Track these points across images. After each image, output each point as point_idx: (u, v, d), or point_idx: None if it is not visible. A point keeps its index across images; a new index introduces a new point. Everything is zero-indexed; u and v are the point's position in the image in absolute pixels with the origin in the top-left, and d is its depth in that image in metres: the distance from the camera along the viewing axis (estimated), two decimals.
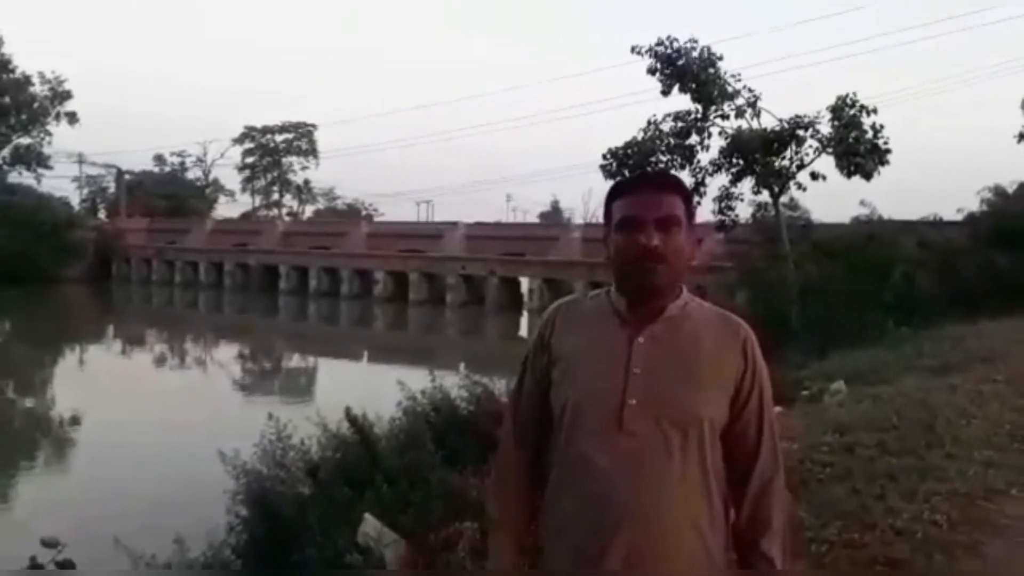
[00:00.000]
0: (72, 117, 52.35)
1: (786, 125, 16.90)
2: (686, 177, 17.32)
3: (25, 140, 51.87)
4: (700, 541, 1.59)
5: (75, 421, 13.29)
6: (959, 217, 21.61)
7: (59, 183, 56.55)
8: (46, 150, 52.52)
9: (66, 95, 52.07)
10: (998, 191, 21.87)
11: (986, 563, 3.63)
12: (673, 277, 1.65)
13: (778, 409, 7.43)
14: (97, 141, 74.65)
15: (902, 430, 5.66)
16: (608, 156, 17.46)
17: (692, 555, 1.58)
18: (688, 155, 17.54)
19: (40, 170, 52.18)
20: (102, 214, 60.96)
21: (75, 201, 58.79)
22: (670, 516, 1.57)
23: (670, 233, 1.62)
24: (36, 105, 51.35)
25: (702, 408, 1.61)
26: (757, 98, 17.26)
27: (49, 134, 52.28)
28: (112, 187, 62.83)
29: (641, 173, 1.92)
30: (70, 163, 57.86)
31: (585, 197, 64.51)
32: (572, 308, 1.79)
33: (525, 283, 37.01)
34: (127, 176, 60.36)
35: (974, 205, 21.92)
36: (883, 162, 16.42)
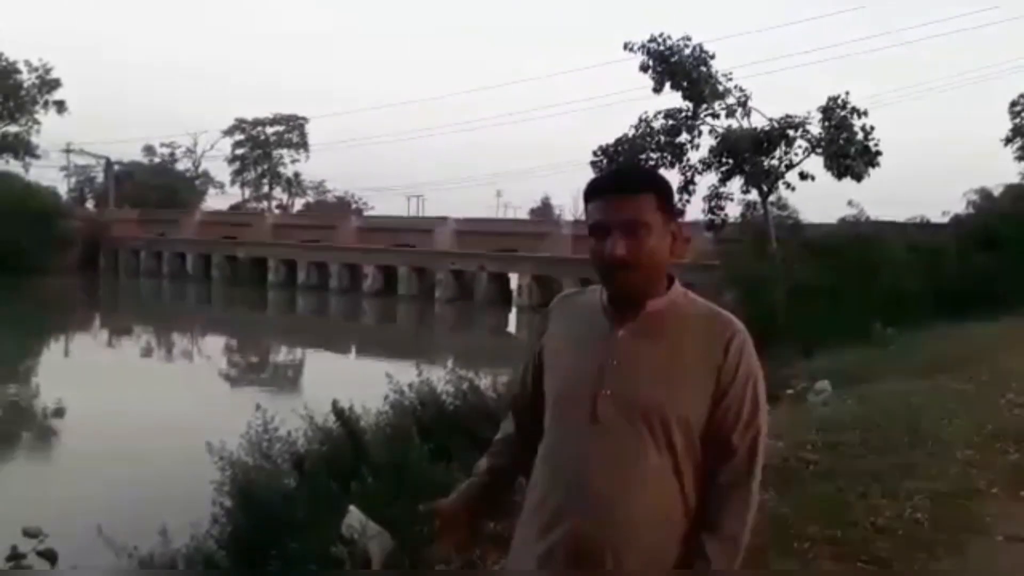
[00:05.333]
0: (61, 106, 51.95)
1: (776, 125, 16.99)
2: (675, 175, 17.42)
3: (13, 128, 51.47)
4: (662, 538, 1.58)
5: (59, 412, 13.21)
6: (945, 219, 21.77)
7: (47, 172, 56.13)
8: (34, 139, 52.22)
9: (54, 84, 51.68)
10: (983, 194, 22.06)
11: (967, 562, 3.66)
12: (644, 280, 1.63)
13: None
14: (86, 131, 73.85)
15: (885, 429, 5.71)
16: (599, 153, 17.52)
17: (651, 550, 1.57)
18: (678, 153, 17.63)
19: (28, 159, 51.91)
20: (90, 204, 60.50)
21: (63, 191, 58.35)
22: (631, 508, 1.56)
23: (637, 237, 1.59)
24: (24, 93, 50.94)
25: (673, 405, 1.59)
26: (748, 97, 17.36)
27: (37, 123, 51.94)
28: (101, 177, 62.31)
29: (611, 172, 1.93)
30: (58, 153, 57.47)
31: (575, 194, 64.52)
32: (569, 301, 1.84)
33: (515, 279, 37.00)
34: (116, 167, 59.83)
35: (960, 207, 22.12)
36: (874, 164, 16.54)
